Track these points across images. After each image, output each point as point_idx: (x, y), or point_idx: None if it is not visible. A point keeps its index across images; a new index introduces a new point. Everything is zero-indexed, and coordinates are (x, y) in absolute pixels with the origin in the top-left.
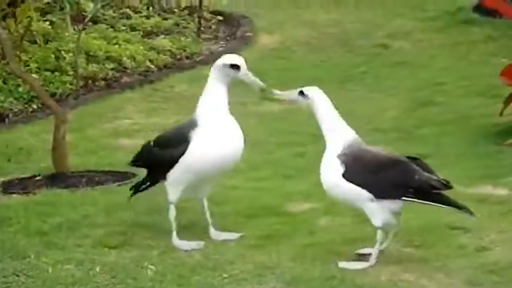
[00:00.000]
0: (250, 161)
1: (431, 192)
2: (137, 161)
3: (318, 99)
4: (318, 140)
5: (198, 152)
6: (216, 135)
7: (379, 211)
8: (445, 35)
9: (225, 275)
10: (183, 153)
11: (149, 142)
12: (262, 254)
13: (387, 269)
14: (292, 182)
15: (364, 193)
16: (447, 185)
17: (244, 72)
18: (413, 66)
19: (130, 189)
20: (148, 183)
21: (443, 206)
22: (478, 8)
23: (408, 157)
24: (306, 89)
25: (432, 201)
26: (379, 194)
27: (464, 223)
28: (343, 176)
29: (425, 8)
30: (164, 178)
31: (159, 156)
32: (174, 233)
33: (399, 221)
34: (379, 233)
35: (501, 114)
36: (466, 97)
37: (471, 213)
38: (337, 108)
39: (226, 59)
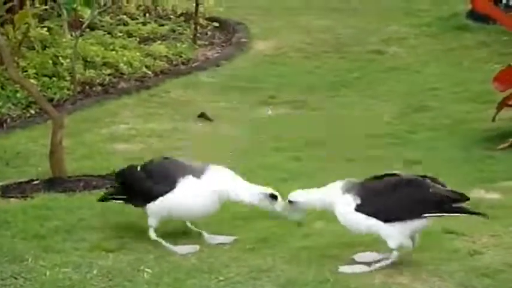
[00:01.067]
0: (245, 165)
1: (450, 204)
2: (118, 179)
3: (296, 201)
4: (312, 144)
5: (177, 200)
6: (199, 192)
7: (396, 234)
8: (438, 41)
9: (220, 278)
10: (166, 192)
11: (136, 166)
12: (257, 257)
13: (381, 272)
14: (287, 185)
15: (379, 222)
16: (464, 196)
17: (281, 205)
18: (406, 71)
19: (102, 197)
20: (122, 201)
21: (463, 214)
22: (471, 14)
23: (420, 176)
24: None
25: (453, 212)
26: (396, 217)
27: (457, 227)
28: (356, 209)
29: (419, 14)
30: (142, 206)
31: (143, 185)
32: (165, 244)
33: (416, 241)
34: (395, 254)
35: (493, 119)
36: (459, 102)
37: (485, 215)
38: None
39: (262, 189)
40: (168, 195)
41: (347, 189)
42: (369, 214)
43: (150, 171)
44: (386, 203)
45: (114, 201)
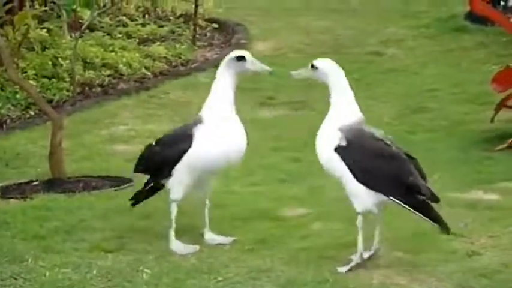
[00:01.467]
0: (245, 165)
1: (419, 199)
2: (140, 165)
3: (329, 70)
4: (312, 145)
5: (201, 149)
6: (219, 132)
7: (363, 197)
8: (436, 42)
9: (219, 279)
10: (186, 150)
11: (151, 144)
12: (256, 257)
13: (379, 272)
14: (286, 186)
15: (351, 176)
16: (435, 197)
17: (251, 62)
18: (405, 73)
19: (131, 199)
20: (151, 186)
21: (422, 217)
22: (470, 16)
23: (406, 155)
24: (316, 62)
25: (416, 209)
26: (368, 183)
27: (455, 228)
28: (336, 150)
29: (418, 15)
30: (168, 176)
31: (163, 155)
32: (172, 232)
33: (381, 212)
34: (359, 218)
35: (492, 120)
36: (458, 104)
37: (448, 230)
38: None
39: (231, 54)
40: (191, 150)
41: (345, 126)
42: (345, 162)
43: (165, 141)
44: (367, 164)
45: (146, 189)
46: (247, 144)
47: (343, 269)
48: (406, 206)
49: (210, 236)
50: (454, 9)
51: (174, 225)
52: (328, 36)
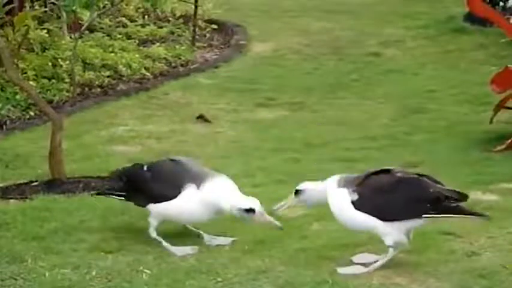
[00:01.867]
0: (244, 166)
1: (449, 204)
2: (117, 177)
3: (306, 192)
4: (310, 146)
5: (178, 208)
6: (199, 204)
7: (392, 232)
8: (435, 43)
9: (219, 279)
10: (169, 199)
11: (142, 166)
12: (255, 258)
13: (379, 272)
14: (285, 187)
15: (376, 220)
16: (463, 195)
17: (260, 213)
18: (404, 74)
19: (100, 192)
20: (122, 198)
21: (463, 216)
22: (469, 17)
23: (417, 174)
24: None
25: (453, 213)
26: (393, 217)
27: (454, 229)
28: (353, 204)
29: (416, 16)
30: (143, 206)
31: (148, 186)
32: (165, 244)
33: (410, 238)
34: (391, 250)
35: (491, 121)
36: (457, 104)
37: (486, 215)
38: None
39: (242, 203)
40: (172, 202)
41: (343, 183)
42: (366, 211)
43: (156, 173)
44: (385, 201)
45: (113, 196)
46: (247, 145)
47: (343, 270)
48: (443, 215)
49: (209, 237)
50: (453, 10)
51: (161, 240)
52: (327, 37)
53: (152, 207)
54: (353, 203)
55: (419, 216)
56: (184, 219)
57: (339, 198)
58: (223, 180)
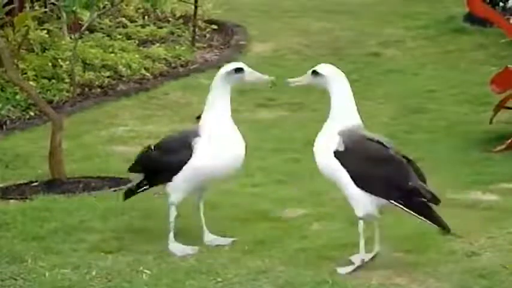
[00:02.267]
0: (244, 167)
1: (419, 201)
2: (135, 167)
3: (332, 76)
4: (310, 146)
5: (200, 163)
6: (218, 145)
7: (364, 202)
8: (435, 43)
9: (219, 279)
10: (185, 162)
11: (149, 147)
12: (255, 258)
13: (379, 273)
14: (285, 187)
15: (350, 181)
16: (436, 198)
17: (249, 72)
18: (404, 74)
19: (125, 193)
20: (146, 187)
21: (423, 219)
22: (469, 17)
23: (404, 157)
24: (319, 68)
25: (417, 213)
26: (368, 188)
27: (454, 229)
28: (335, 155)
29: (416, 16)
30: (165, 183)
31: (161, 162)
32: (172, 234)
33: (379, 215)
34: (361, 223)
35: (491, 121)
36: (456, 105)
37: (448, 230)
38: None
39: (227, 66)
40: (191, 163)
41: (344, 131)
42: (344, 167)
43: (163, 148)
44: (365, 169)
45: (139, 191)
46: (247, 145)
47: (342, 270)
48: (406, 209)
49: (209, 237)
50: (453, 11)
51: (173, 228)
52: (327, 38)
53: (175, 179)
54: (338, 152)
55: (387, 198)
56: (209, 174)
57: (331, 142)
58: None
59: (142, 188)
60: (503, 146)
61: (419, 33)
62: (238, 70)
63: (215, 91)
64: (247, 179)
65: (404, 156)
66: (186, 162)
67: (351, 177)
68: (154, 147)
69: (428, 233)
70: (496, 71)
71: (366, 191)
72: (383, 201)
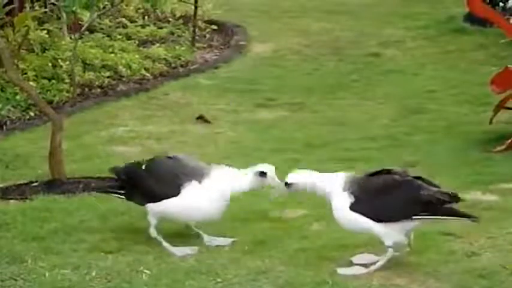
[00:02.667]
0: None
1: (441, 206)
2: (118, 174)
3: (293, 180)
4: (310, 146)
5: (181, 206)
6: (206, 197)
7: (390, 233)
8: (435, 43)
9: (218, 280)
10: (169, 197)
11: (139, 163)
12: (255, 258)
13: (379, 273)
14: None
15: (371, 222)
16: (455, 197)
17: (271, 178)
18: (404, 74)
19: (100, 189)
20: (121, 196)
21: (454, 218)
22: (469, 17)
23: (414, 177)
24: (289, 179)
25: (443, 215)
26: (388, 218)
27: (454, 229)
28: (351, 208)
29: (416, 17)
30: (142, 204)
31: (147, 185)
32: (165, 244)
33: (410, 238)
34: (390, 251)
35: (491, 122)
36: (456, 105)
37: (475, 217)
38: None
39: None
40: (172, 200)
41: (346, 186)
42: (362, 213)
43: (154, 172)
44: (378, 203)
45: (114, 195)
46: (245, 145)
47: (342, 271)
48: (432, 217)
49: (209, 238)
50: (453, 11)
51: (161, 240)
52: (327, 38)
53: (152, 206)
54: (351, 205)
55: (409, 217)
56: (186, 217)
57: (342, 201)
58: (226, 169)
59: (119, 196)
60: (503, 146)
61: (419, 33)
62: (262, 174)
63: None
64: None
65: (415, 177)
66: (168, 197)
67: (372, 218)
68: (145, 166)
69: (428, 233)
70: (496, 71)
71: (389, 221)
72: (409, 223)
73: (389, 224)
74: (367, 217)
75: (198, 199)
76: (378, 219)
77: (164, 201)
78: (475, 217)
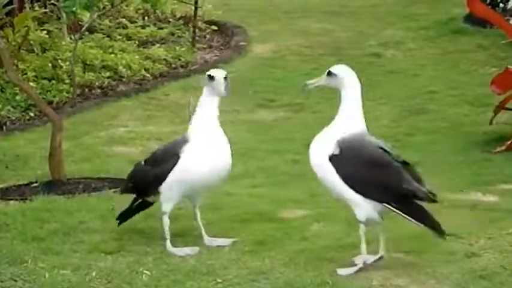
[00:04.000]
0: (244, 167)
1: (414, 205)
2: (127, 186)
3: (345, 78)
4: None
5: (186, 166)
6: (205, 150)
7: (363, 206)
8: (435, 44)
9: (219, 280)
10: (172, 168)
11: (140, 162)
12: (255, 259)
13: (379, 274)
14: (285, 188)
15: (344, 186)
16: (432, 198)
17: (218, 82)
18: (404, 75)
19: (117, 218)
20: (139, 203)
21: (417, 222)
22: (469, 18)
23: (404, 162)
24: (333, 69)
25: (410, 215)
26: (362, 192)
27: (454, 229)
28: (330, 159)
29: (417, 18)
30: (154, 194)
31: (151, 173)
32: (168, 241)
33: (383, 219)
34: (362, 227)
35: (491, 122)
36: (457, 106)
37: (443, 234)
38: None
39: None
40: (178, 165)
41: (344, 136)
42: (337, 171)
43: (152, 159)
44: (358, 174)
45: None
46: (241, 146)
47: (342, 271)
48: (400, 213)
49: (209, 238)
50: (453, 12)
51: (168, 234)
52: (327, 39)
53: (163, 187)
54: (333, 156)
55: (380, 201)
56: (198, 175)
57: (325, 144)
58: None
59: (136, 203)
60: (503, 147)
61: (420, 34)
62: (211, 78)
63: (203, 95)
64: (247, 180)
65: (404, 161)
66: (172, 168)
67: (344, 181)
68: (144, 160)
69: (428, 234)
70: (496, 72)
71: (361, 195)
72: (380, 206)
73: (364, 198)
74: (343, 180)
75: (200, 150)
76: (352, 188)
77: (171, 173)
78: (443, 234)
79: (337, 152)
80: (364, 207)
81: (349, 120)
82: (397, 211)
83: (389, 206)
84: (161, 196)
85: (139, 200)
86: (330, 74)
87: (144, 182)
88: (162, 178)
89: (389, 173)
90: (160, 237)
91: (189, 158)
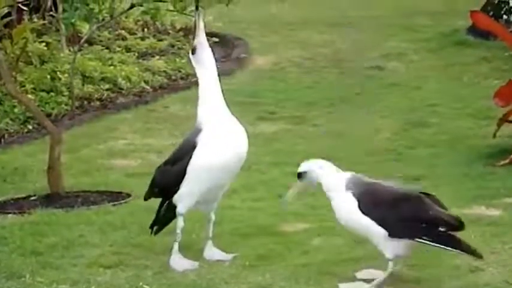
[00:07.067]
0: (244, 181)
1: (445, 234)
2: (151, 191)
3: (316, 171)
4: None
5: (205, 152)
6: (219, 133)
7: (393, 246)
8: (438, 56)
9: None
10: (189, 161)
11: (160, 165)
12: (256, 274)
13: None
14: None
15: (380, 230)
16: (461, 222)
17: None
18: (406, 87)
19: (150, 227)
20: (168, 209)
21: (453, 250)
22: (472, 30)
23: (422, 193)
24: (301, 168)
25: (445, 245)
26: (394, 231)
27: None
28: (359, 207)
29: (419, 29)
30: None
31: (172, 170)
32: (176, 245)
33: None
34: (390, 264)
35: (494, 135)
36: (459, 118)
37: (481, 257)
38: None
39: None
40: (196, 153)
41: (350, 186)
42: (369, 216)
43: (171, 159)
44: (385, 214)
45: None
46: (247, 159)
47: (344, 286)
48: (434, 244)
49: (209, 252)
50: (456, 23)
51: (179, 238)
52: (328, 50)
53: (182, 184)
54: (359, 206)
55: (412, 237)
56: (218, 162)
57: (347, 200)
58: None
59: (163, 206)
60: (507, 161)
61: (422, 46)
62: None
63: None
64: (248, 194)
65: (422, 192)
66: (189, 161)
67: (379, 225)
68: (164, 163)
69: (432, 249)
70: (500, 85)
71: (394, 236)
72: (411, 243)
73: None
74: (378, 224)
75: (214, 134)
76: (385, 229)
77: (191, 161)
78: (480, 255)
79: (357, 202)
80: (393, 246)
81: (337, 180)
82: (431, 243)
83: (421, 240)
84: (180, 193)
85: (165, 205)
86: (300, 175)
87: (168, 181)
88: (183, 172)
89: (414, 204)
90: (160, 252)
91: (206, 144)
